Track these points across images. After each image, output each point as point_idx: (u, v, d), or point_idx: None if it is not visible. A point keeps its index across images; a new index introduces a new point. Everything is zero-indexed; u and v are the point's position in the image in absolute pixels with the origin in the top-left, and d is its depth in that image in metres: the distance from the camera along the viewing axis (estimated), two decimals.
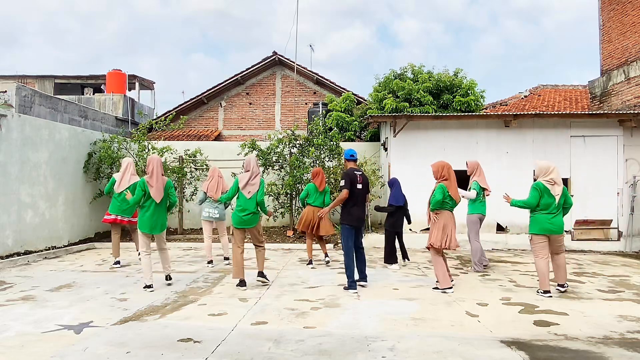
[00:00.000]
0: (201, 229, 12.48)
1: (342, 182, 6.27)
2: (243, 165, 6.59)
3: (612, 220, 10.44)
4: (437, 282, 6.35)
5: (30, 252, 8.92)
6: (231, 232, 7.22)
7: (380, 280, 6.97)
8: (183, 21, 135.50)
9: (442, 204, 6.23)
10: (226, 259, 8.27)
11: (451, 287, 6.17)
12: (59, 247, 9.75)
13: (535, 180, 6.23)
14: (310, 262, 8.13)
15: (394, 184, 8.24)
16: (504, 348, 4.09)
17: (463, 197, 7.63)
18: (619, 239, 10.35)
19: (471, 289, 6.38)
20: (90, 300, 5.68)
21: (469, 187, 7.89)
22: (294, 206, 11.69)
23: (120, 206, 8.04)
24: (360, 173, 6.45)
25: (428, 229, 10.42)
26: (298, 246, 10.35)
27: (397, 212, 8.07)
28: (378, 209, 8.40)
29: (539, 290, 6.02)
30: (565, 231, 10.42)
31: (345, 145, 12.10)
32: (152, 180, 6.30)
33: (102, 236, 11.39)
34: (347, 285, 6.28)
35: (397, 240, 8.23)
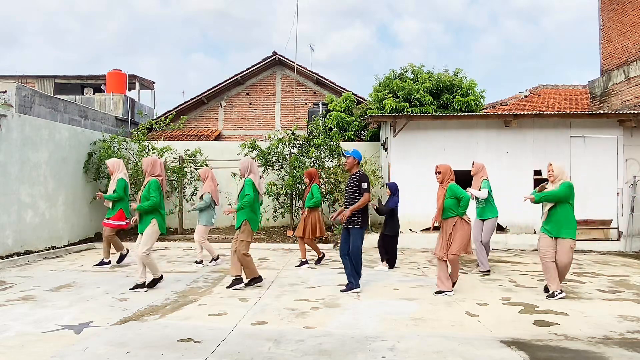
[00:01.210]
0: None
1: (365, 185, 6.15)
2: (242, 169, 6.35)
3: (612, 220, 10.45)
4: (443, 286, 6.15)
5: (30, 252, 8.92)
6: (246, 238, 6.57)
7: (380, 280, 6.97)
8: (183, 21, 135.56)
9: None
10: (199, 262, 8.15)
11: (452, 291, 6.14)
12: (59, 247, 9.74)
13: (552, 181, 5.97)
14: (306, 262, 8.09)
15: (397, 190, 8.03)
16: (504, 348, 4.09)
17: (474, 196, 7.59)
18: (619, 239, 10.36)
19: (471, 289, 6.38)
20: (90, 300, 5.68)
21: (478, 187, 7.79)
22: (294, 206, 11.69)
23: (128, 208, 7.99)
24: None
25: (428, 229, 10.52)
26: (298, 246, 10.33)
27: (396, 216, 7.92)
28: (381, 211, 7.98)
29: (558, 292, 5.85)
30: None
31: (345, 146, 12.10)
32: (164, 183, 6.40)
33: (102, 236, 11.39)
34: (352, 285, 6.22)
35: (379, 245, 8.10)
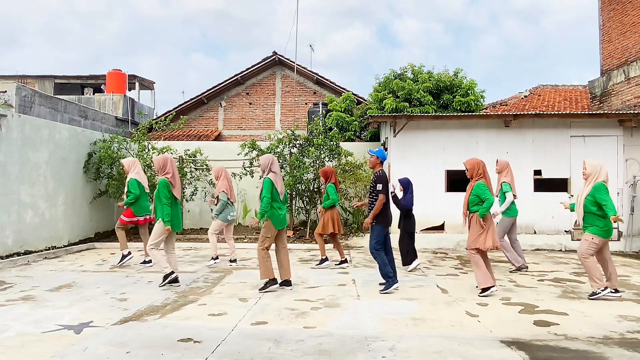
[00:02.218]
0: (201, 229, 12.58)
1: (380, 187, 6.17)
2: (263, 165, 6.29)
3: None
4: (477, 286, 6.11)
5: (30, 252, 8.92)
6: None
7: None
8: (183, 21, 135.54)
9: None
10: (232, 261, 8.15)
11: (495, 285, 6.02)
12: (59, 247, 9.74)
13: (587, 179, 5.85)
14: (345, 261, 8.07)
15: (410, 187, 7.89)
16: (504, 348, 4.09)
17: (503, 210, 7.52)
18: (619, 239, 10.35)
19: (471, 289, 6.38)
20: (90, 300, 5.68)
21: (497, 190, 7.76)
22: (294, 206, 11.69)
23: (148, 206, 8.03)
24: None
25: (428, 229, 10.54)
26: (298, 246, 10.34)
27: (410, 214, 7.82)
28: (399, 205, 7.83)
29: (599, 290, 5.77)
30: (566, 231, 10.50)
31: (345, 146, 12.10)
32: (174, 180, 6.41)
33: (102, 236, 11.40)
34: (386, 286, 6.20)
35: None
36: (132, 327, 4.66)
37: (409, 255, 7.85)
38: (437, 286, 6.58)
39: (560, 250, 10.21)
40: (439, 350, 4.01)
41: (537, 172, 10.59)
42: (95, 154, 11.13)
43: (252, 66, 17.45)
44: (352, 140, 14.04)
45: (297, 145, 11.67)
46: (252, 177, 11.63)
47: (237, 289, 6.30)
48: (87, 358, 3.83)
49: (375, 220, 6.20)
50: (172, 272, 6.34)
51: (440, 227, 10.69)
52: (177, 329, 4.59)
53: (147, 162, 11.17)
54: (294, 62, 16.13)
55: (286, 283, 6.33)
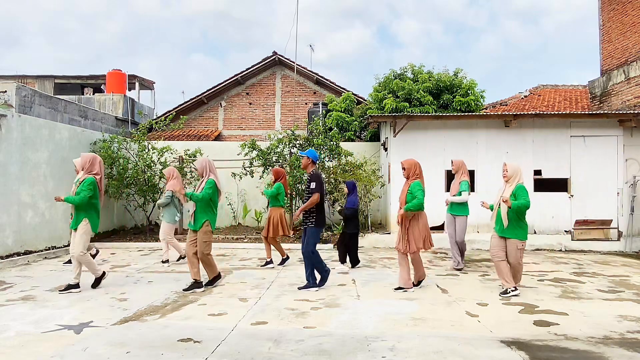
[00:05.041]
0: None
1: (314, 185, 6.19)
2: (200, 169, 6.30)
3: (612, 220, 10.44)
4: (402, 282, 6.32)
5: (30, 252, 8.92)
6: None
7: (380, 280, 6.97)
8: (183, 22, 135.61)
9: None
10: (164, 262, 8.30)
11: (412, 288, 6.28)
12: (59, 247, 9.74)
13: (506, 181, 6.05)
14: (287, 259, 8.33)
15: (354, 188, 8.06)
16: (504, 348, 4.09)
17: (453, 201, 7.78)
18: (619, 239, 10.35)
19: (471, 289, 6.38)
20: (90, 300, 5.68)
21: (457, 186, 7.92)
22: (293, 206, 11.69)
23: None
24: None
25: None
26: (297, 246, 10.31)
27: (356, 215, 7.95)
28: (346, 215, 8.01)
29: (511, 289, 6.01)
30: (566, 231, 10.50)
31: (345, 146, 12.10)
32: (101, 183, 6.38)
33: (102, 236, 11.39)
34: (309, 284, 6.33)
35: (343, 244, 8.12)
36: (132, 327, 4.66)
37: (350, 254, 7.96)
38: (437, 286, 6.58)
39: (560, 250, 10.21)
40: (439, 350, 4.01)
41: (537, 172, 10.59)
42: (95, 153, 11.11)
43: (252, 66, 17.45)
44: (352, 140, 14.04)
45: (297, 145, 11.67)
46: (252, 177, 11.65)
47: (237, 289, 6.30)
48: (87, 358, 3.83)
49: (314, 222, 6.25)
50: (98, 277, 6.39)
51: (440, 227, 10.69)
52: (177, 329, 4.59)
53: (147, 162, 11.17)
54: (294, 62, 16.13)
55: (199, 285, 6.33)
